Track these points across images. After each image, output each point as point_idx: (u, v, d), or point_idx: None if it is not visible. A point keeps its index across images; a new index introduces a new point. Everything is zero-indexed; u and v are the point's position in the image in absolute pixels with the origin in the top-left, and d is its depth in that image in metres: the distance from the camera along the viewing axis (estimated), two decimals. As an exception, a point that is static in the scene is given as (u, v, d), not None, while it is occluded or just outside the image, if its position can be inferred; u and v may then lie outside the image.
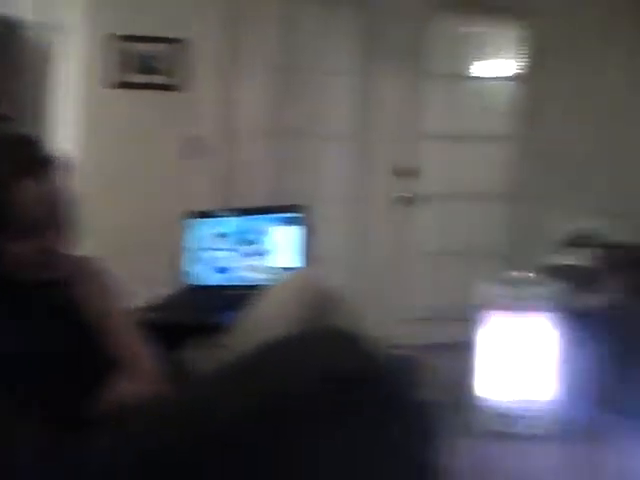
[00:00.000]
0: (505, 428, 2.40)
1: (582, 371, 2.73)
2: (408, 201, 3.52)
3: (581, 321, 2.75)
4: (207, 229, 2.01)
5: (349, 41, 3.40)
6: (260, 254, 1.84)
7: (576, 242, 3.23)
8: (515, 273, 2.49)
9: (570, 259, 3.12)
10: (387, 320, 3.31)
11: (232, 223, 1.95)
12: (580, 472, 2.16)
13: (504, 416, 2.43)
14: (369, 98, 3.43)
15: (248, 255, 1.87)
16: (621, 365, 2.55)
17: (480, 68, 3.69)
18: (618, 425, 2.49)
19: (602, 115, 3.60)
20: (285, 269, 1.74)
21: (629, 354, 2.52)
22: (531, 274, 2.49)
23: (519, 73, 3.64)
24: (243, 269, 1.87)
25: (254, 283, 1.72)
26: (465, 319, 2.52)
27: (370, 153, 3.46)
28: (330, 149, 3.45)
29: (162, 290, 1.95)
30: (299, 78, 3.36)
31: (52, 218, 1.03)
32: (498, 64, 3.69)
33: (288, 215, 1.82)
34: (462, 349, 2.54)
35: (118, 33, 3.03)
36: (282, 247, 1.81)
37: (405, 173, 3.49)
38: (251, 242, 1.86)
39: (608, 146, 3.60)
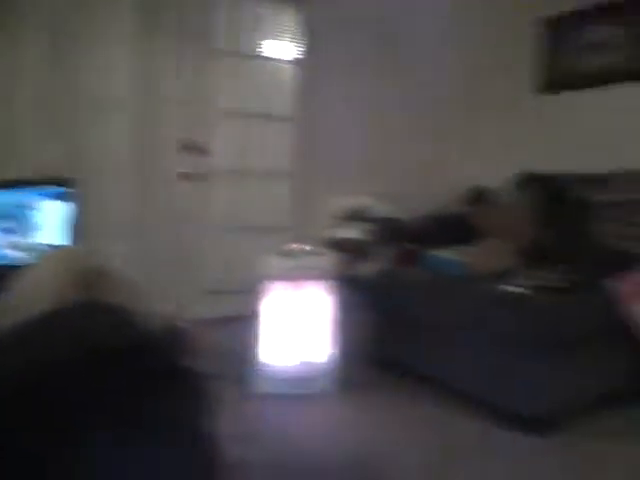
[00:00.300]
0: (286, 390, 2.57)
1: (356, 333, 3.02)
2: (200, 177, 3.52)
3: (355, 288, 3.03)
4: (-37, 204, 1.81)
5: (128, 10, 3.25)
6: (23, 231, 1.72)
7: (352, 217, 3.52)
8: (294, 246, 2.65)
9: (347, 232, 3.40)
10: (178, 294, 3.31)
11: (-8, 197, 1.79)
12: (352, 425, 2.41)
13: (286, 379, 2.59)
14: (151, 70, 3.33)
15: (9, 232, 1.73)
16: (389, 327, 2.88)
17: (267, 49, 3.79)
18: (388, 380, 2.82)
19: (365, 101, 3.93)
20: (50, 246, 1.64)
21: (395, 317, 2.84)
22: (308, 246, 2.67)
23: (298, 56, 3.82)
24: (3, 247, 1.73)
25: (15, 262, 1.60)
26: (253, 291, 2.62)
27: (157, 128, 3.38)
28: (112, 121, 3.29)
29: None
30: (74, 44, 3.14)
31: None
32: (282, 46, 3.82)
33: (55, 189, 1.72)
34: (250, 320, 2.65)
35: None
36: (48, 223, 1.70)
37: (194, 149, 3.48)
38: (12, 217, 1.73)
39: (369, 129, 3.95)
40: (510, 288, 2.27)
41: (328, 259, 2.65)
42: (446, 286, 2.53)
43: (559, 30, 3.62)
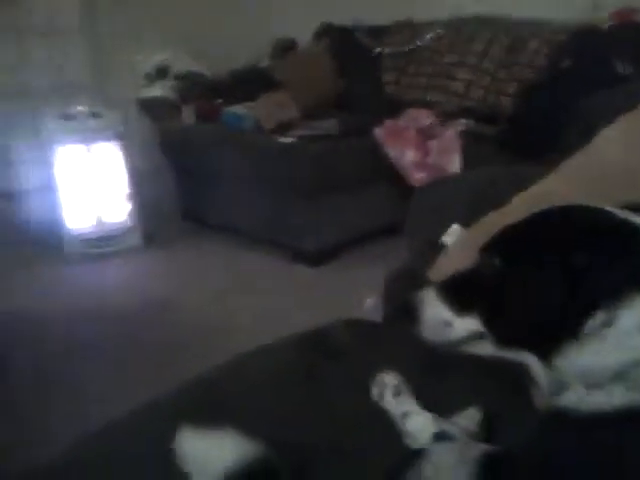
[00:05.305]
0: (93, 250, 2.67)
1: (162, 190, 3.13)
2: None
3: (161, 147, 3.08)
4: None
5: None
6: None
7: (157, 74, 3.45)
8: (80, 108, 2.61)
9: (152, 91, 3.36)
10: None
11: None
12: (156, 275, 2.60)
13: (90, 240, 2.69)
14: None
15: None
16: (189, 181, 3.01)
17: None
18: (191, 231, 3.00)
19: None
20: None
21: (194, 171, 2.96)
22: (95, 107, 2.63)
23: None
24: None
25: None
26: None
27: None
28: None
29: None
30: None
31: None
32: None
33: None
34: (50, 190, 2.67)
35: None
36: None
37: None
38: None
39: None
40: (283, 139, 2.46)
41: (115, 119, 2.65)
42: (234, 140, 2.66)
43: None
